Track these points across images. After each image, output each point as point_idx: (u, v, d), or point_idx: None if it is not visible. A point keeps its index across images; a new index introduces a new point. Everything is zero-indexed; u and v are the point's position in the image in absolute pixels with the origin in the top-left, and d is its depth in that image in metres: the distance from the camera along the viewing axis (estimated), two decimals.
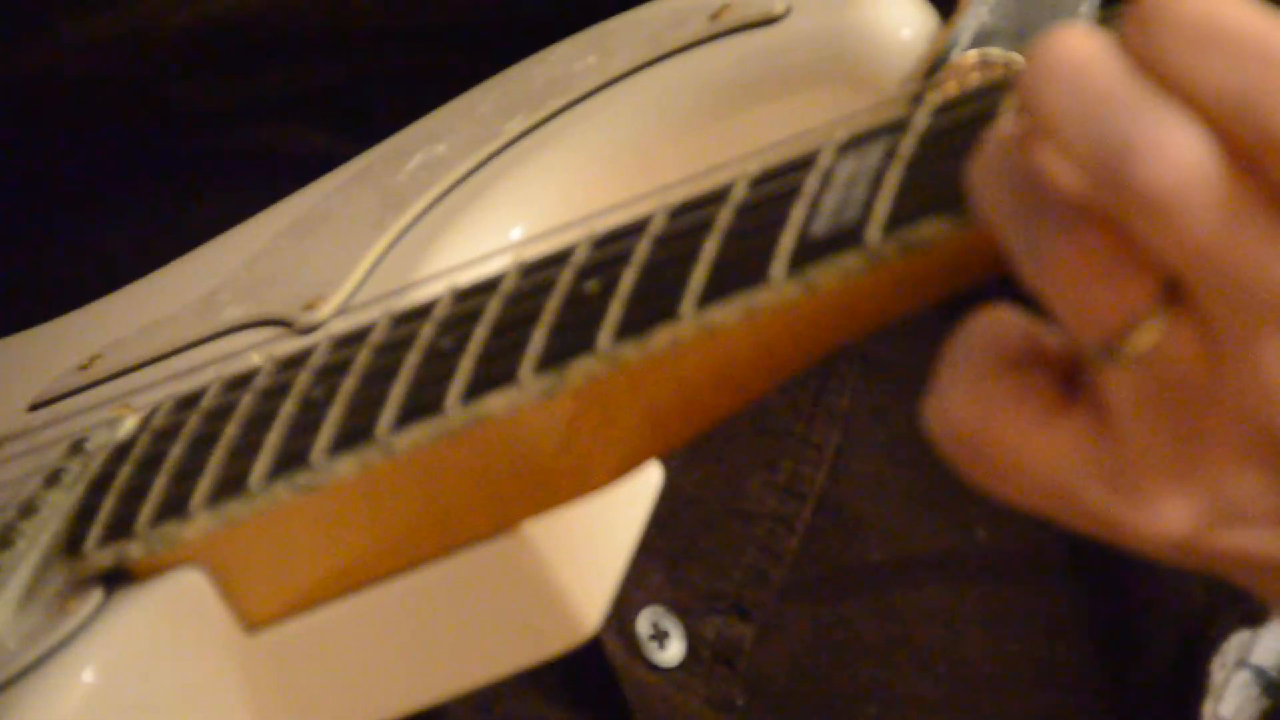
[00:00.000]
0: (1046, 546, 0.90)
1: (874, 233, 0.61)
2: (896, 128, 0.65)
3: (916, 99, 0.70)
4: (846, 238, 0.62)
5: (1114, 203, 0.52)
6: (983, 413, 0.58)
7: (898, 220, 0.61)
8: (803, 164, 0.67)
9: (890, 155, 0.64)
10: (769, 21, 0.82)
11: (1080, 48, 0.54)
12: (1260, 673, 0.90)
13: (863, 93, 0.79)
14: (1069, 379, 0.58)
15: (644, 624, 0.87)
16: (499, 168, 0.84)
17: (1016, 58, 0.77)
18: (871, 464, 0.89)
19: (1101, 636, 0.91)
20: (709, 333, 0.65)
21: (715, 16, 0.83)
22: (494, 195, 0.83)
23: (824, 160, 0.66)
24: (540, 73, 0.87)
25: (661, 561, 0.87)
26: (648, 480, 0.73)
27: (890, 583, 0.88)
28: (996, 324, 0.59)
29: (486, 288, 0.71)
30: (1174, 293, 0.54)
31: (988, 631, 0.89)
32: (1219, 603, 0.93)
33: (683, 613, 0.87)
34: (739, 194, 0.68)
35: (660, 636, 0.88)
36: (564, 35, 0.88)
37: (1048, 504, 0.60)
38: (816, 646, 0.88)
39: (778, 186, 0.67)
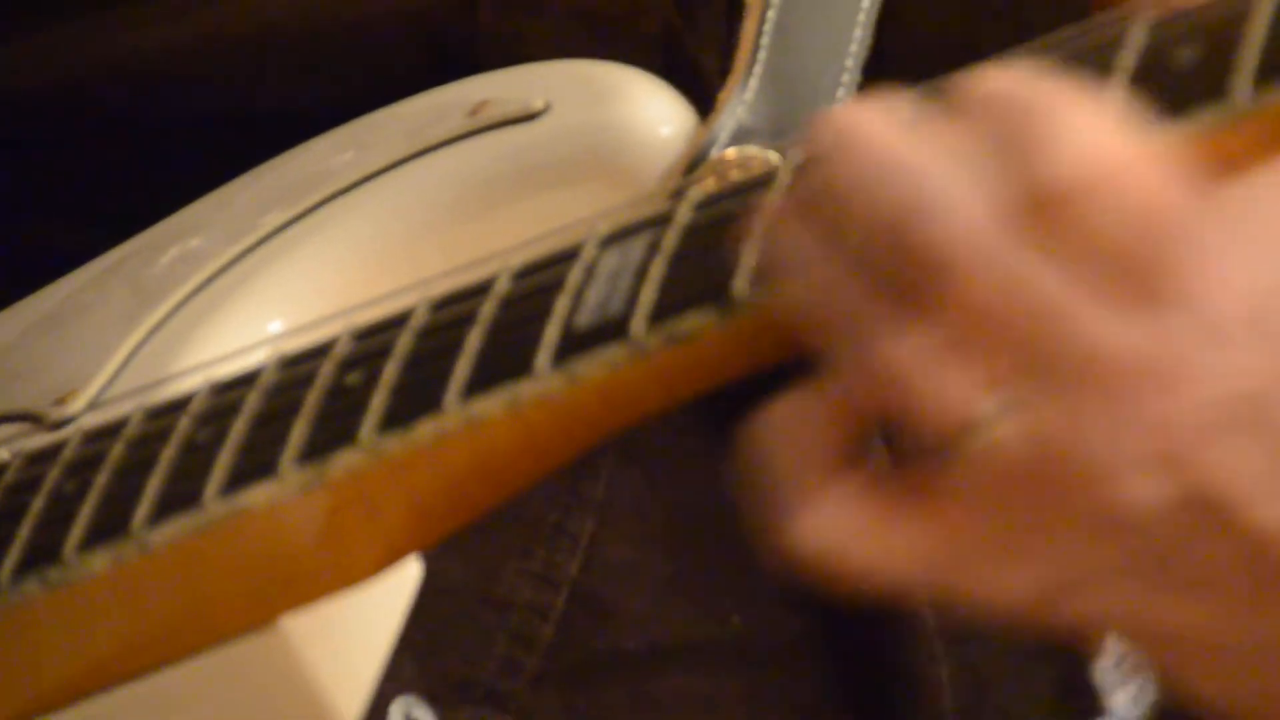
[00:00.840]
0: (799, 632, 0.90)
1: (639, 325, 0.62)
2: (659, 222, 0.66)
3: (678, 194, 0.71)
4: (611, 330, 0.64)
5: (904, 271, 0.54)
6: (848, 523, 0.59)
7: (662, 312, 0.63)
8: (566, 257, 0.68)
9: (654, 249, 0.65)
10: (529, 118, 0.82)
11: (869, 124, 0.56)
12: None
13: (624, 188, 0.80)
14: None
15: (397, 714, 0.85)
16: (257, 261, 0.83)
17: (774, 156, 0.78)
18: (626, 553, 0.89)
19: (859, 715, 0.92)
20: (473, 424, 0.65)
21: (474, 112, 0.84)
22: (252, 289, 0.82)
23: (587, 254, 0.67)
24: (298, 166, 0.86)
25: (415, 652, 0.85)
26: (408, 573, 0.72)
27: (646, 670, 0.88)
28: (811, 424, 0.59)
29: (245, 381, 0.71)
30: (1005, 378, 0.55)
31: (750, 716, 0.89)
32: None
33: (436, 702, 0.85)
34: (502, 287, 0.68)
35: None
36: (324, 129, 0.88)
37: (903, 588, 0.60)
38: None
39: (541, 279, 0.68)
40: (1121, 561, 0.58)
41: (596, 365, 0.64)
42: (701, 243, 0.64)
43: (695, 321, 0.62)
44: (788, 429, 0.60)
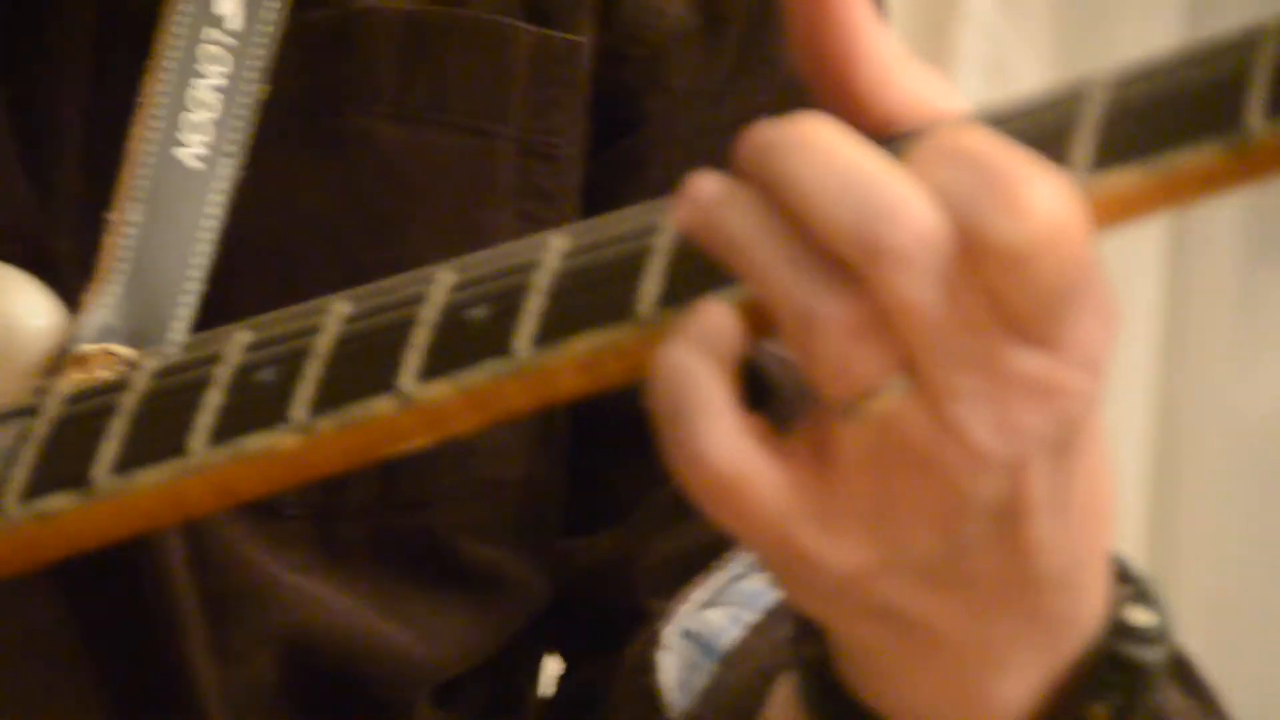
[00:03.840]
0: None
1: (10, 501, 0.67)
2: (29, 412, 0.70)
3: (45, 389, 0.74)
4: None
5: (861, 259, 0.54)
6: (740, 450, 0.57)
7: (31, 492, 0.67)
8: None
9: (24, 436, 0.69)
10: None
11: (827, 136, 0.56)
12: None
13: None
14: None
15: None
16: None
17: (133, 354, 0.81)
18: None
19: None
20: None
21: None
22: None
23: None
24: None
25: None
26: None
27: None
28: (727, 335, 0.57)
29: None
30: (912, 363, 0.55)
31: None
32: None
33: None
34: None
35: None
36: None
37: (758, 537, 0.58)
38: None
39: None
40: (933, 552, 0.58)
41: None
42: (68, 434, 0.69)
43: (58, 503, 0.66)
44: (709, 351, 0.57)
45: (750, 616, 0.84)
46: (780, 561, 0.59)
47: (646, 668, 0.85)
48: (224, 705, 0.90)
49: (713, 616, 0.85)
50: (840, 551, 0.57)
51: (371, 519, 0.94)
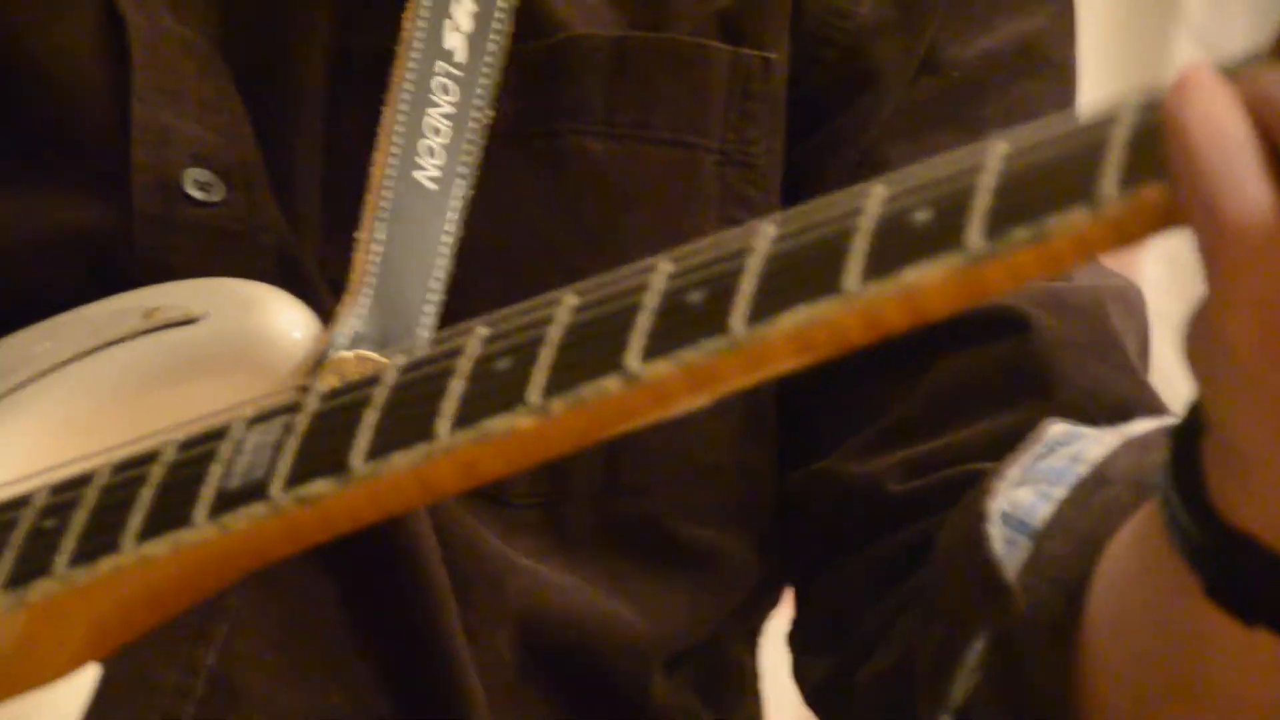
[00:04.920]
0: (386, 710, 0.96)
1: (276, 489, 0.73)
2: (291, 409, 0.76)
3: (306, 389, 0.80)
4: (255, 491, 0.74)
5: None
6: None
7: (294, 479, 0.73)
8: (218, 434, 0.77)
9: (288, 429, 0.75)
10: (190, 321, 0.90)
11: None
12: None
13: (264, 380, 0.87)
14: None
15: None
16: None
17: (382, 359, 0.86)
18: (252, 646, 0.94)
19: None
20: (144, 562, 0.75)
21: (148, 315, 0.91)
22: None
23: (235, 432, 0.77)
24: (3, 353, 0.93)
25: None
26: (87, 674, 0.80)
27: None
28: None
29: None
30: None
31: None
32: None
33: None
34: (169, 455, 0.77)
35: None
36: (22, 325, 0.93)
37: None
38: None
39: (199, 451, 0.77)
40: None
41: (242, 519, 0.74)
42: (326, 427, 0.75)
43: (320, 488, 0.72)
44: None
45: (1060, 492, 0.87)
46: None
47: (978, 540, 0.87)
48: (478, 680, 0.95)
49: (1022, 494, 0.88)
50: None
51: (596, 505, 0.99)
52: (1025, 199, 0.64)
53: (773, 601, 1.08)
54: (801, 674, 1.03)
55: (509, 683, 0.98)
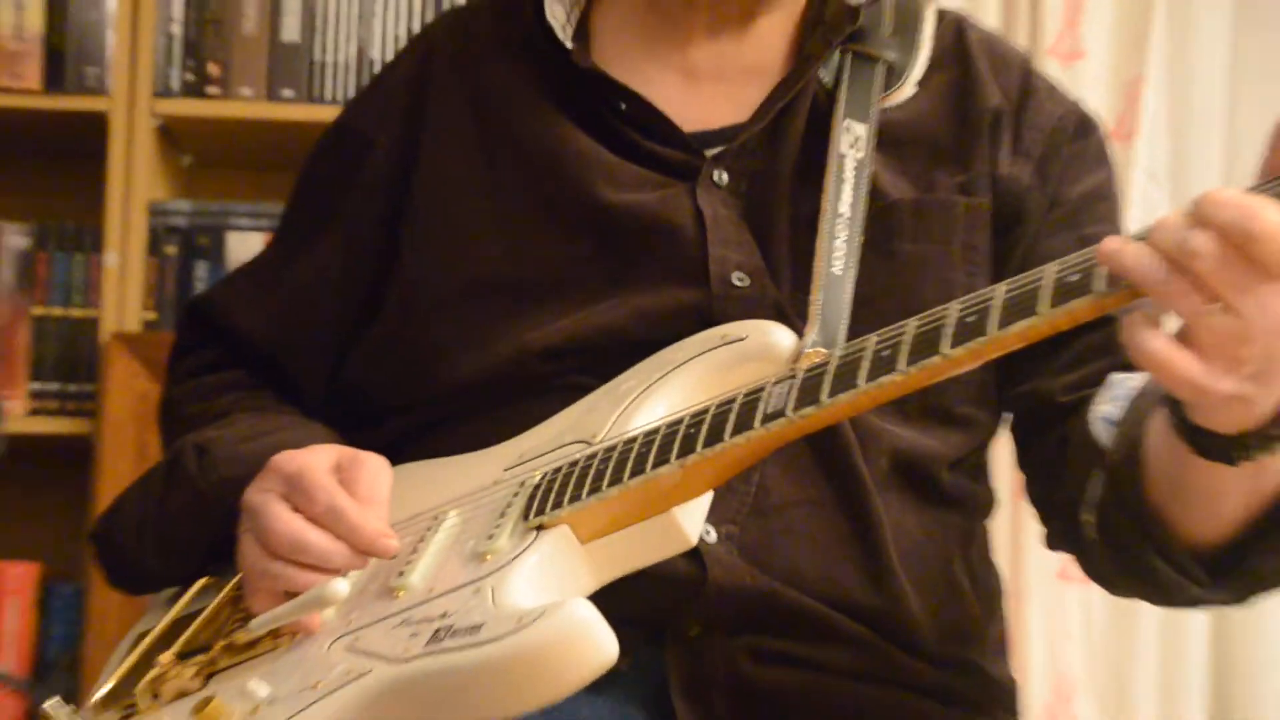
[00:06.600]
0: (820, 488, 1.56)
1: (790, 410, 1.32)
2: (791, 377, 1.36)
3: (794, 369, 1.35)
4: (778, 414, 1.34)
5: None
6: (1170, 349, 1.11)
7: (796, 407, 1.33)
8: (759, 389, 1.33)
9: (790, 386, 1.34)
10: (740, 339, 1.46)
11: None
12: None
13: (774, 365, 1.45)
14: None
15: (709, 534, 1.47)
16: (646, 394, 1.46)
17: (826, 353, 1.36)
18: (769, 477, 1.56)
19: None
20: (730, 446, 1.34)
21: (724, 337, 1.47)
22: (656, 398, 1.46)
23: (767, 388, 1.35)
24: (646, 365, 1.50)
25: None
26: (707, 496, 1.38)
27: None
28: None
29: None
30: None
31: None
32: None
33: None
34: (739, 399, 1.37)
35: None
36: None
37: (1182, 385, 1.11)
38: None
39: (752, 397, 1.34)
40: (1254, 361, 1.09)
41: (775, 427, 1.29)
42: (808, 383, 1.28)
43: (807, 411, 1.26)
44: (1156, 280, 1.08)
45: (1123, 404, 1.46)
46: (1193, 392, 1.11)
47: (1088, 430, 1.45)
48: (872, 484, 1.56)
49: (1108, 407, 1.46)
50: (1224, 383, 1.11)
51: (921, 397, 1.56)
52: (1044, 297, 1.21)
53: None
54: (1046, 530, 1.64)
55: (884, 483, 1.56)
